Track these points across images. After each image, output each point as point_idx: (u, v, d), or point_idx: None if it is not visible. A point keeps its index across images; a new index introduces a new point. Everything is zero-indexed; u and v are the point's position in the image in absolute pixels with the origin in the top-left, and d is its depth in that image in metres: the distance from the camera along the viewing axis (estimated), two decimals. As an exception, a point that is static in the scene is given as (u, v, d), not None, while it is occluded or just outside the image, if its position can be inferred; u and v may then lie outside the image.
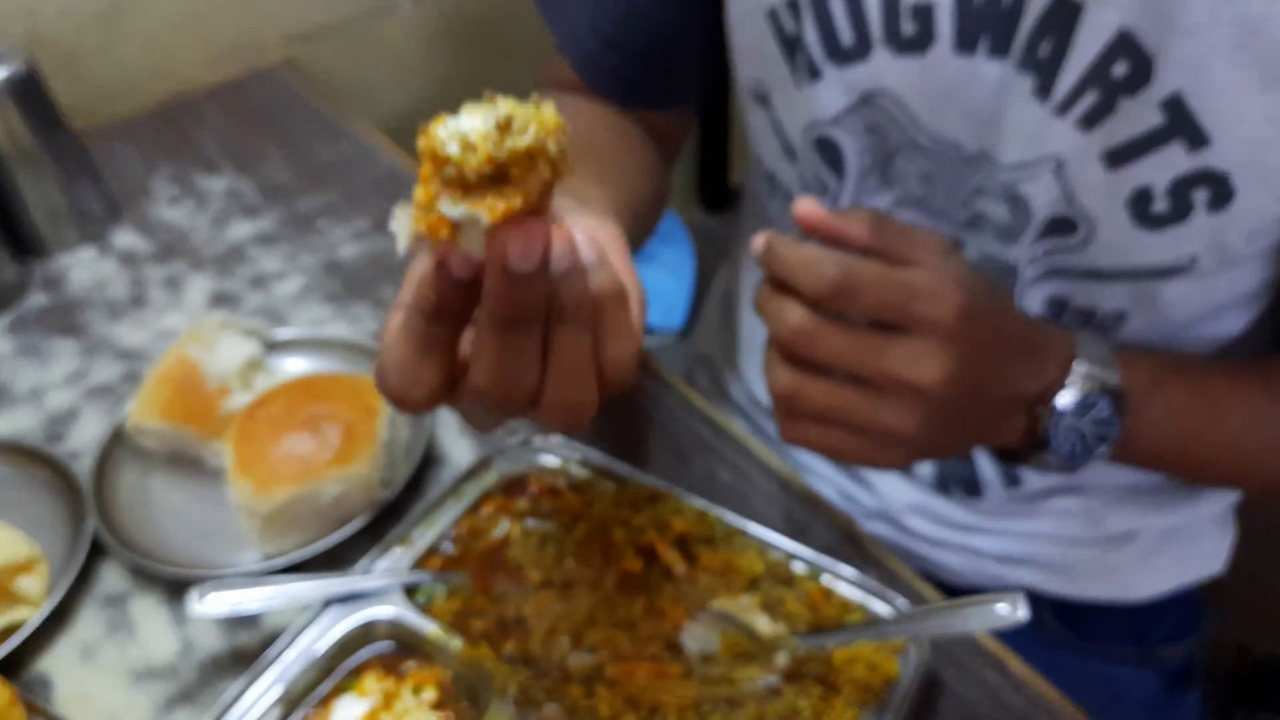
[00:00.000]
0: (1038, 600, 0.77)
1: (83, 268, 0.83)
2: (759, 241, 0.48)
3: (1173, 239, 0.55)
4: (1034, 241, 0.59)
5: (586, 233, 0.41)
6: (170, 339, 0.75)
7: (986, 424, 0.54)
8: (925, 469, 0.73)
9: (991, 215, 0.60)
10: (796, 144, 0.66)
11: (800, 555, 0.58)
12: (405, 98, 1.22)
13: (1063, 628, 0.79)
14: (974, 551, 0.75)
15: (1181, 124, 0.51)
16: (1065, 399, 0.53)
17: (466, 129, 0.35)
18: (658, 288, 1.38)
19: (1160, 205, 0.54)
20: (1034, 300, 0.62)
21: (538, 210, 0.37)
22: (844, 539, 0.62)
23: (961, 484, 0.73)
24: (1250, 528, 0.84)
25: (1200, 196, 0.53)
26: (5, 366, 0.75)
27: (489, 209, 0.36)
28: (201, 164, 0.92)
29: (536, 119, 0.35)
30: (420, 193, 0.36)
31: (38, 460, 0.66)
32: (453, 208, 0.36)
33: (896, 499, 0.75)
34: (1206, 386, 0.61)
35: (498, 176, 0.36)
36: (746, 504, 0.63)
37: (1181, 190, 0.53)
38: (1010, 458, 0.57)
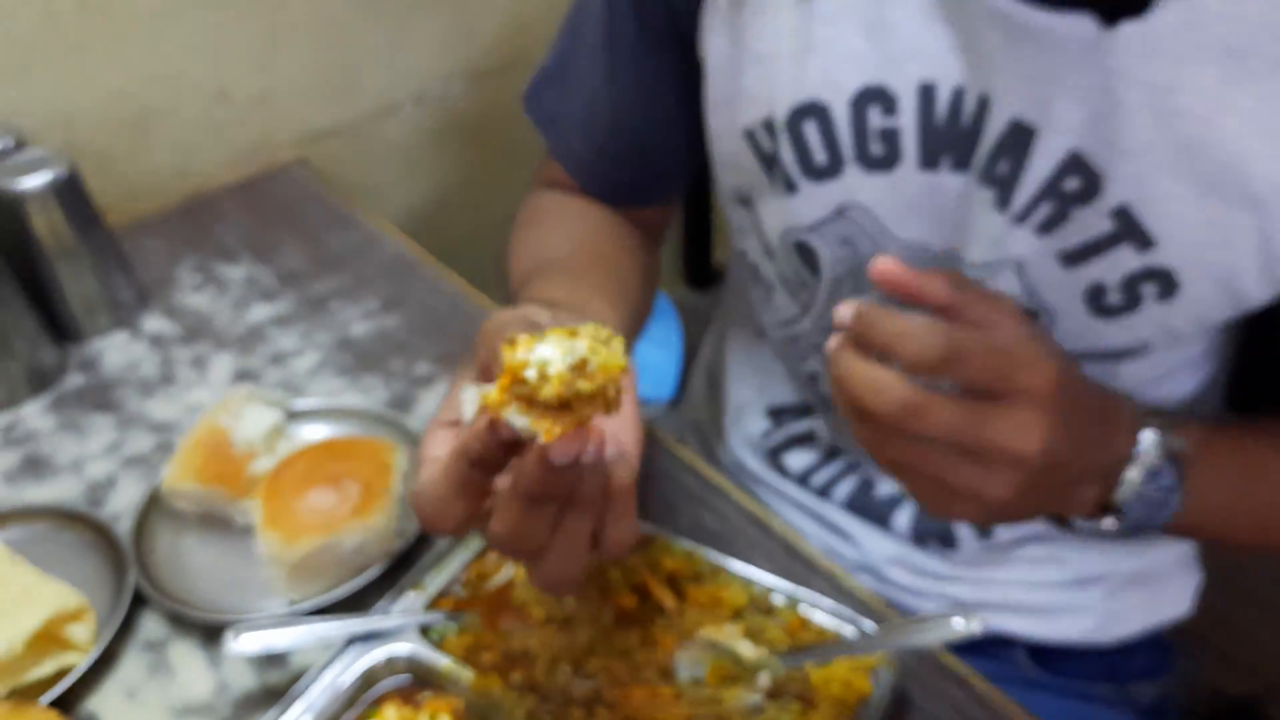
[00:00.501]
0: (1013, 644, 0.82)
1: (116, 350, 0.90)
2: (847, 310, 0.49)
3: (1126, 326, 0.61)
4: None
5: (613, 432, 0.47)
6: (198, 412, 0.81)
7: (1066, 491, 0.56)
8: (903, 524, 0.79)
9: None
10: (775, 246, 0.71)
11: (779, 588, 0.64)
12: (409, 191, 1.31)
13: (1039, 669, 0.84)
14: (951, 600, 0.80)
15: (1129, 229, 0.57)
16: (1135, 468, 0.56)
17: (546, 361, 0.41)
18: (649, 361, 1.45)
19: (1113, 298, 0.60)
20: None
21: (578, 423, 0.43)
22: (819, 575, 0.68)
23: (938, 537, 0.78)
24: (1218, 572, 0.89)
25: (1149, 290, 0.59)
26: (48, 440, 0.81)
27: (546, 431, 0.42)
28: (222, 254, 1.00)
29: (603, 364, 0.42)
30: (494, 395, 0.43)
31: (81, 522, 0.72)
32: (518, 418, 0.42)
33: (877, 552, 0.80)
34: (1241, 445, 0.64)
35: (561, 405, 0.42)
36: (730, 546, 0.68)
37: (1132, 285, 0.59)
38: (1068, 525, 0.59)
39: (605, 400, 0.43)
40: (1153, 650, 0.85)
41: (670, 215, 0.87)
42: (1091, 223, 0.59)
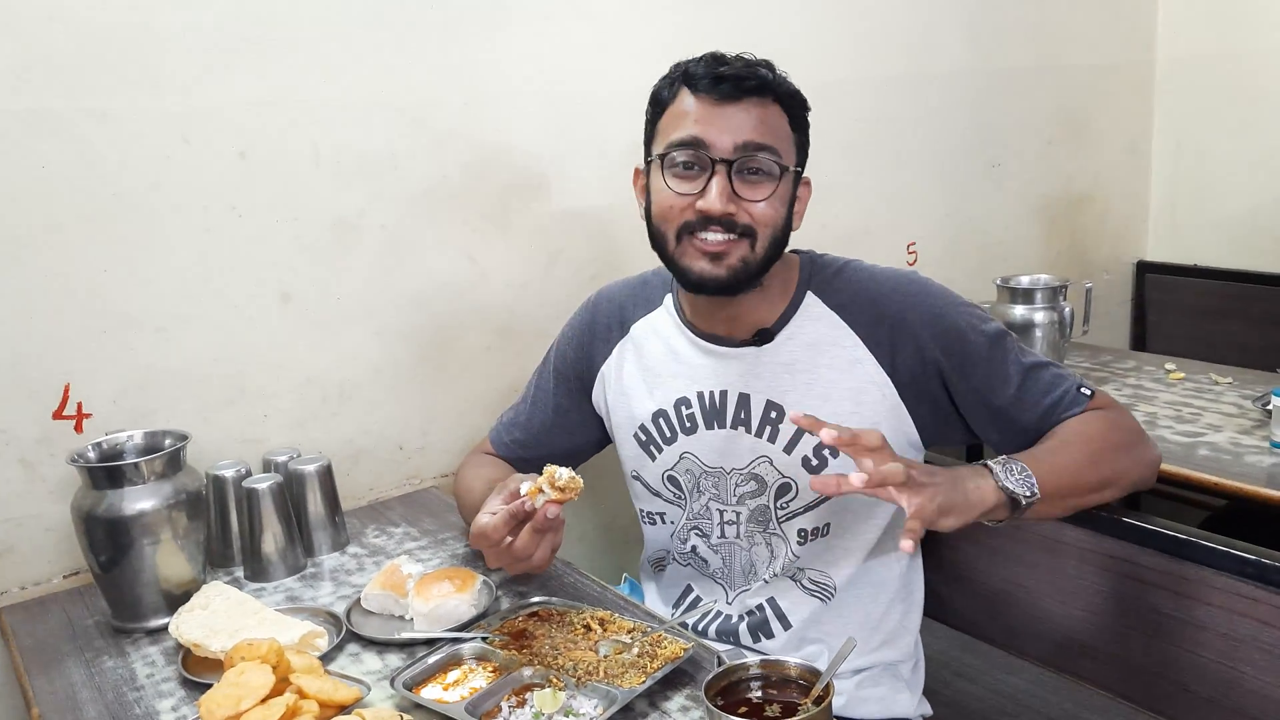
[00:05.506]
0: None
1: (332, 560, 1.68)
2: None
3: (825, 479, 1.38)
4: (772, 499, 1.42)
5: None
6: (376, 581, 1.57)
7: (964, 486, 1.14)
8: (746, 636, 1.48)
9: (748, 490, 1.44)
10: (658, 487, 1.52)
11: (648, 624, 1.34)
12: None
13: None
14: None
15: (799, 430, 1.37)
16: (998, 464, 1.18)
17: (558, 473, 1.27)
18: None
19: (814, 462, 1.37)
20: (792, 532, 1.42)
21: (561, 503, 1.27)
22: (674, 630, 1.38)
23: (762, 631, 1.47)
24: (941, 695, 1.52)
25: (829, 453, 1.36)
26: (299, 592, 1.57)
27: (551, 499, 1.27)
28: (390, 523, 1.81)
29: (575, 484, 1.27)
30: (539, 482, 1.28)
31: (320, 612, 1.47)
32: (541, 493, 1.28)
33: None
34: (1042, 448, 1.29)
35: (559, 491, 1.27)
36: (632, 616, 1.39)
37: (819, 452, 1.36)
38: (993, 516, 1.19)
39: (572, 497, 1.25)
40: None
41: None
42: (788, 428, 1.37)
